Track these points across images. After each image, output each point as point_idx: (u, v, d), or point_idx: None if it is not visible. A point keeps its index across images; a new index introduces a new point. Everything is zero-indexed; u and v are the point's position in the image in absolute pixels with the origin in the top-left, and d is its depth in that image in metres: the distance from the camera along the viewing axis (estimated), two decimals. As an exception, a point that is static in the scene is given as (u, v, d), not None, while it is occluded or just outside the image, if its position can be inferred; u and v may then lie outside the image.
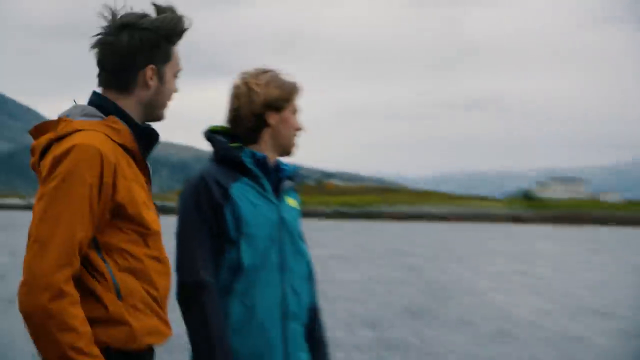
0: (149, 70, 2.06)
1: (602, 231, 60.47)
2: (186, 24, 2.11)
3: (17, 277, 1.97)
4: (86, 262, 1.91)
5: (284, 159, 2.72)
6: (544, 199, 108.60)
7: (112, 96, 2.06)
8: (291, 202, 2.66)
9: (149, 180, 2.11)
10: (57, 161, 1.88)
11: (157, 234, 2.04)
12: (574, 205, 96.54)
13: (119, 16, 2.07)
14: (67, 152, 1.88)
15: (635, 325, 11.86)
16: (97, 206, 1.90)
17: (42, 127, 2.01)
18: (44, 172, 1.90)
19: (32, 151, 2.00)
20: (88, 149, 1.89)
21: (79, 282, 1.88)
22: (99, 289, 1.90)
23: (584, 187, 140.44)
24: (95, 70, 2.10)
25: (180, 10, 2.11)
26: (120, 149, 1.99)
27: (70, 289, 1.83)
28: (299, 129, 2.67)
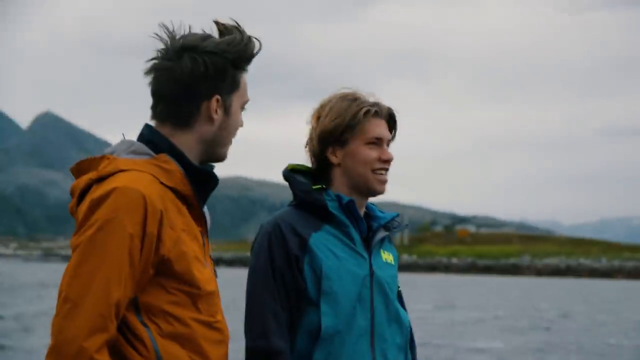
0: (214, 102, 2.06)
1: None
2: (256, 47, 2.10)
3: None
4: (123, 327, 1.91)
5: (379, 205, 2.68)
6: None
7: (167, 131, 2.05)
8: (386, 256, 2.61)
9: (205, 231, 2.10)
10: (95, 206, 1.90)
11: (210, 295, 2.02)
12: None
13: (177, 37, 2.06)
14: (106, 196, 1.89)
15: None
16: (139, 261, 1.90)
17: (84, 165, 2.02)
18: (80, 218, 1.92)
19: (72, 193, 2.01)
20: (130, 193, 1.89)
21: (114, 349, 1.88)
22: (137, 358, 1.89)
23: None
24: (148, 100, 2.10)
25: (246, 30, 2.10)
26: (170, 194, 1.98)
27: (104, 357, 1.83)
28: (375, 160, 2.55)
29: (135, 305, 1.93)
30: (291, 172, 2.59)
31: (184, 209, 2.01)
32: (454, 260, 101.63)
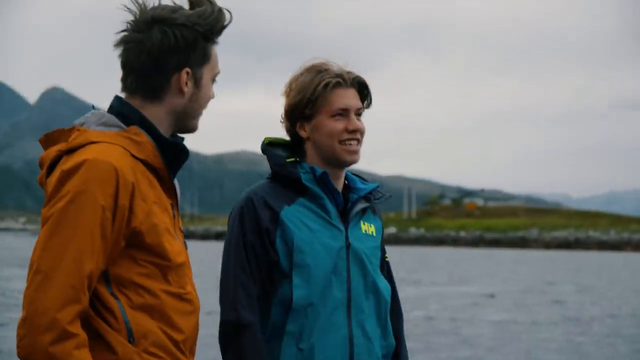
0: (184, 74, 2.05)
1: None
2: (227, 18, 2.09)
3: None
4: (94, 298, 1.91)
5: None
6: None
7: (137, 103, 2.05)
8: (367, 227, 2.61)
9: (175, 204, 2.10)
10: (65, 178, 1.89)
11: (181, 267, 2.03)
12: None
13: (147, 9, 2.05)
14: (76, 168, 1.89)
15: None
16: (111, 233, 1.90)
17: (53, 136, 2.01)
18: (50, 190, 1.91)
19: (41, 164, 2.00)
20: (101, 165, 1.89)
21: (84, 321, 1.89)
22: (107, 330, 1.90)
23: None
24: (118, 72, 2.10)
25: (218, 1, 2.10)
26: (141, 166, 1.98)
27: (77, 329, 1.84)
28: (341, 132, 2.55)
29: (105, 277, 1.93)
30: (268, 146, 2.60)
31: (154, 181, 2.02)
32: (462, 234, 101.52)
